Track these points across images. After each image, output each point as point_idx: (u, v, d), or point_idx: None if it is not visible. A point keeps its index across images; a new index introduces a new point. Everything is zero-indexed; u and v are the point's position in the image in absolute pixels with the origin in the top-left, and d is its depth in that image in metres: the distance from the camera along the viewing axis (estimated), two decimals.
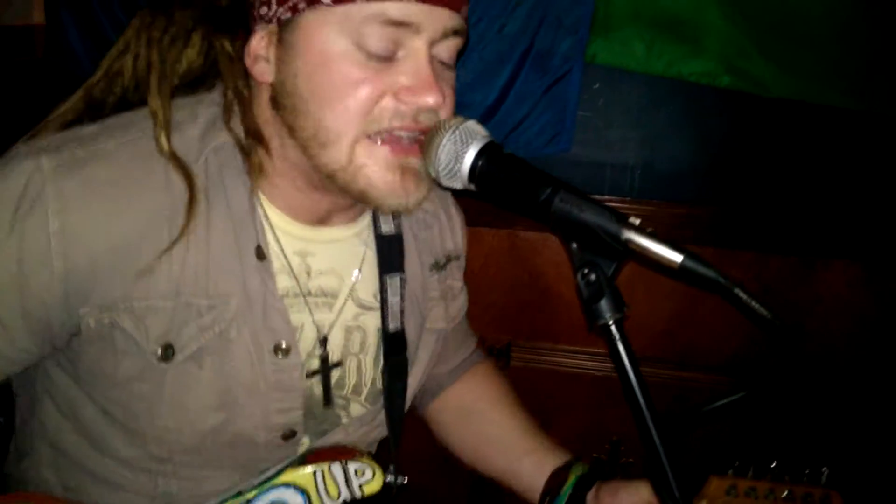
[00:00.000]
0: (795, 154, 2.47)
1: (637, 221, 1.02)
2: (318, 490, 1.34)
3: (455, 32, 1.24)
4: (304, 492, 1.34)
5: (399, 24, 1.17)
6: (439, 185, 1.23)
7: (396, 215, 1.50)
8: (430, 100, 1.20)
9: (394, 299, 1.48)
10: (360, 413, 1.50)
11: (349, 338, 1.46)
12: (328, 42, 1.19)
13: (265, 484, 1.34)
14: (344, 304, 1.44)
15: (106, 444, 1.33)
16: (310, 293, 1.39)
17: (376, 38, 1.18)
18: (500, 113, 2.45)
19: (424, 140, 1.20)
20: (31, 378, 1.37)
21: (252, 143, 1.30)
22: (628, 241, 1.00)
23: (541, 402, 2.71)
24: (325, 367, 1.42)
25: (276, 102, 1.26)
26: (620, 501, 1.46)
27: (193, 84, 1.35)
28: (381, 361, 1.49)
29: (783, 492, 1.39)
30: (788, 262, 2.51)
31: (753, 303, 0.97)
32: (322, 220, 1.41)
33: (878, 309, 2.50)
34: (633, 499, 1.44)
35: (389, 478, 1.42)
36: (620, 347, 1.02)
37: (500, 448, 1.68)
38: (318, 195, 1.34)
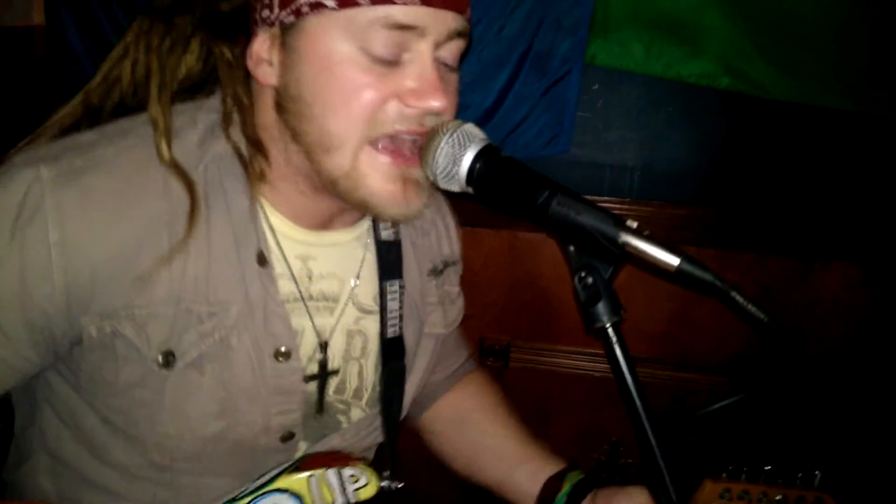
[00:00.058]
0: (795, 156, 2.47)
1: (634, 225, 1.02)
2: (312, 496, 1.33)
3: (459, 34, 1.23)
4: (298, 497, 1.33)
5: (405, 27, 1.16)
6: (437, 188, 1.23)
7: (387, 221, 1.50)
8: (436, 103, 1.20)
9: (393, 305, 1.48)
10: (360, 417, 1.50)
11: (350, 342, 1.46)
12: (332, 46, 1.18)
13: (260, 490, 1.33)
14: (345, 307, 1.44)
15: (106, 452, 1.32)
16: (311, 297, 1.39)
17: (381, 42, 1.17)
18: (499, 114, 2.45)
19: (422, 143, 1.20)
20: (30, 386, 1.36)
21: (252, 151, 1.29)
22: (625, 245, 1.00)
23: (540, 402, 2.72)
24: (323, 373, 1.42)
25: (281, 106, 1.26)
26: None
27: (192, 90, 1.34)
28: (381, 366, 1.49)
29: (777, 495, 1.39)
30: (787, 263, 2.51)
31: (750, 306, 0.97)
32: (324, 224, 1.40)
33: (877, 311, 2.50)
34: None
35: (384, 483, 1.41)
36: (617, 350, 1.02)
37: (495, 457, 1.68)
38: (321, 199, 1.34)
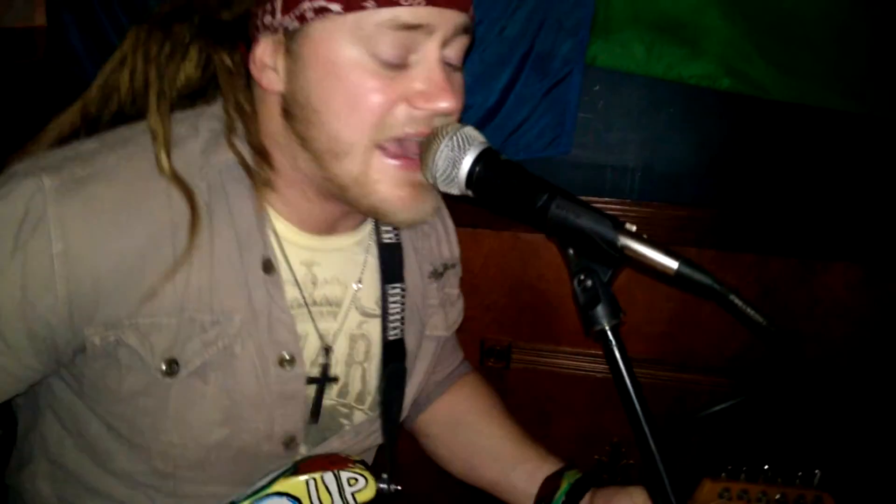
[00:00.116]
0: (795, 156, 2.47)
1: (633, 228, 1.02)
2: (311, 499, 1.33)
3: (464, 30, 1.23)
4: (297, 500, 1.33)
5: (412, 27, 1.15)
6: (437, 191, 1.23)
7: (397, 226, 1.50)
8: (445, 104, 1.19)
9: (394, 308, 1.47)
10: (362, 420, 1.50)
11: (353, 346, 1.46)
12: (339, 51, 1.17)
13: (258, 493, 1.33)
14: (347, 312, 1.44)
15: (109, 459, 1.31)
16: (314, 303, 1.39)
17: (388, 45, 1.16)
18: (501, 115, 2.45)
19: (422, 146, 1.20)
20: (33, 392, 1.35)
21: (258, 160, 1.28)
22: (624, 248, 1.00)
23: (541, 403, 2.72)
24: (323, 378, 1.41)
25: (287, 113, 1.24)
26: None
27: (192, 97, 1.34)
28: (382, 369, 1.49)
29: (776, 494, 1.39)
30: (788, 264, 2.51)
31: (749, 309, 0.97)
32: (328, 229, 1.40)
33: (878, 311, 2.50)
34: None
35: (382, 486, 1.41)
36: (616, 353, 1.02)
37: (491, 458, 1.67)
38: (327, 204, 1.33)
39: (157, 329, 1.21)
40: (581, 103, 2.46)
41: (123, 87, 1.30)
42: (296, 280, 1.35)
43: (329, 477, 1.35)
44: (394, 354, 1.50)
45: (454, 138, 1.16)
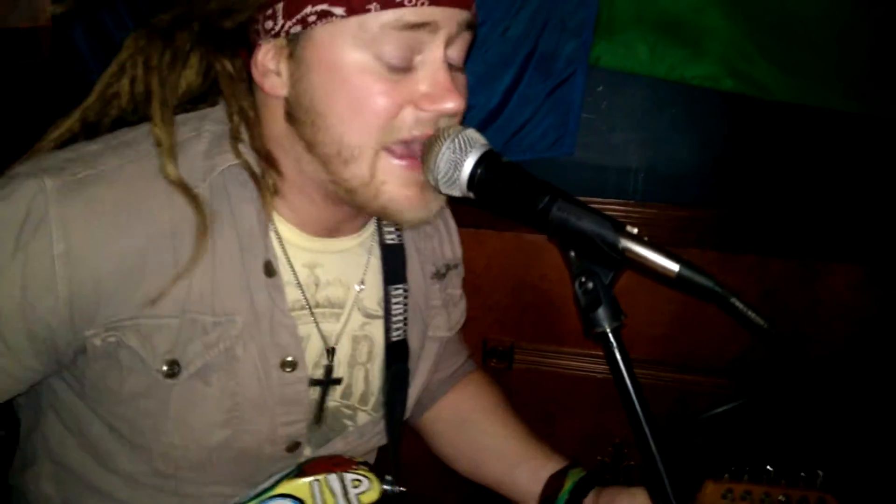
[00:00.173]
0: (798, 157, 2.47)
1: (635, 230, 1.02)
2: (315, 501, 1.33)
3: (468, 26, 1.23)
4: (301, 502, 1.33)
5: (417, 26, 1.15)
6: (439, 193, 1.23)
7: (400, 227, 1.50)
8: (451, 104, 1.19)
9: (397, 309, 1.47)
10: (366, 421, 1.50)
11: (356, 348, 1.46)
12: (343, 55, 1.17)
13: (262, 495, 1.33)
14: (350, 313, 1.44)
15: (110, 459, 1.31)
16: (317, 305, 1.39)
17: (393, 46, 1.16)
18: (504, 116, 2.45)
19: (424, 148, 1.20)
20: (35, 392, 1.35)
21: (264, 166, 1.28)
22: (625, 250, 1.01)
23: (544, 404, 2.72)
24: (327, 380, 1.41)
25: (292, 117, 1.24)
26: None
27: (194, 101, 1.34)
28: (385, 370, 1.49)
29: (779, 495, 1.39)
30: (790, 265, 2.50)
31: (750, 312, 0.97)
32: (331, 232, 1.40)
33: (880, 312, 2.49)
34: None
35: (387, 487, 1.41)
36: (617, 355, 1.03)
37: (496, 457, 1.68)
38: (334, 207, 1.33)
39: (159, 330, 1.21)
40: (584, 104, 2.46)
41: (124, 94, 1.29)
42: (298, 282, 1.35)
43: (333, 479, 1.35)
44: (397, 356, 1.50)
45: (456, 140, 1.16)
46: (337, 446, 1.46)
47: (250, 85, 1.30)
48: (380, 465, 1.55)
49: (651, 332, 2.59)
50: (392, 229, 1.50)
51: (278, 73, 1.23)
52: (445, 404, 1.78)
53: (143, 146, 1.23)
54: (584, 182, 2.55)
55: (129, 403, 1.24)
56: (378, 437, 1.54)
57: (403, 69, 1.18)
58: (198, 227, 1.20)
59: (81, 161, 1.20)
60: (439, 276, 1.61)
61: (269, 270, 1.29)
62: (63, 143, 1.28)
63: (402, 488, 1.44)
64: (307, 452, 1.42)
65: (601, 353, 1.04)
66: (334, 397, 1.45)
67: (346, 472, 1.37)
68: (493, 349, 2.70)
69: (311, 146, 1.23)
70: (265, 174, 1.28)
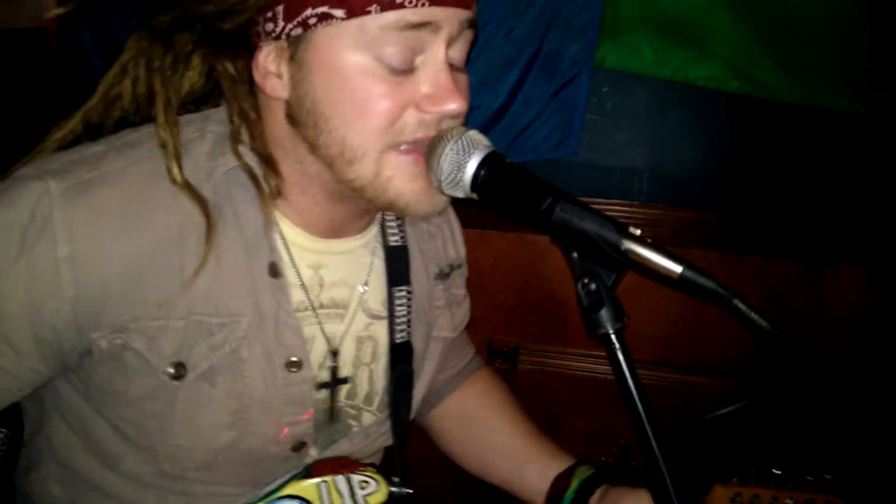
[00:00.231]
0: (803, 158, 2.46)
1: (637, 232, 1.02)
2: (322, 502, 1.33)
3: (469, 25, 1.22)
4: None
5: (417, 26, 1.15)
6: (442, 194, 1.23)
7: (403, 228, 1.50)
8: (454, 105, 1.19)
9: (401, 310, 1.47)
10: (371, 422, 1.50)
11: (360, 348, 1.46)
12: (344, 57, 1.16)
13: (269, 497, 1.33)
14: (354, 314, 1.44)
15: (116, 461, 1.31)
16: (321, 305, 1.38)
17: (394, 47, 1.15)
18: (508, 117, 2.45)
19: (427, 149, 1.20)
20: (39, 394, 1.34)
21: (265, 168, 1.27)
22: (628, 252, 1.00)
23: (549, 405, 2.72)
24: (334, 381, 1.41)
25: (294, 119, 1.24)
26: None
27: (197, 102, 1.34)
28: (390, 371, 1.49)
29: (787, 499, 1.39)
30: (795, 267, 2.50)
31: (753, 314, 0.97)
32: (335, 232, 1.40)
33: (885, 314, 2.49)
34: None
35: (394, 489, 1.40)
36: (620, 357, 1.02)
37: (504, 455, 1.68)
38: (338, 205, 1.33)
39: (164, 332, 1.20)
40: (589, 105, 2.46)
41: (126, 96, 1.29)
42: (302, 283, 1.35)
43: (341, 480, 1.35)
44: (401, 357, 1.50)
45: (459, 142, 1.16)
46: (343, 447, 1.46)
47: (252, 86, 1.30)
48: (386, 466, 1.55)
49: (655, 334, 2.59)
50: (395, 230, 1.50)
51: (279, 76, 1.23)
52: (452, 402, 1.78)
53: (147, 147, 1.23)
54: (589, 183, 2.54)
55: (134, 405, 1.24)
56: (383, 438, 1.54)
57: (404, 70, 1.18)
58: (205, 231, 1.20)
59: (86, 163, 1.20)
60: (443, 276, 1.61)
61: (274, 272, 1.29)
62: (66, 145, 1.27)
63: (409, 490, 1.44)
64: (313, 453, 1.42)
65: (606, 354, 1.04)
66: (339, 398, 1.45)
67: (354, 473, 1.37)
68: (497, 350, 2.70)
69: (313, 148, 1.23)
70: (267, 176, 1.27)
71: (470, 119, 1.28)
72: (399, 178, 1.22)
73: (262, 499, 1.33)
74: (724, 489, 1.41)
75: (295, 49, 1.19)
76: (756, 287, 2.49)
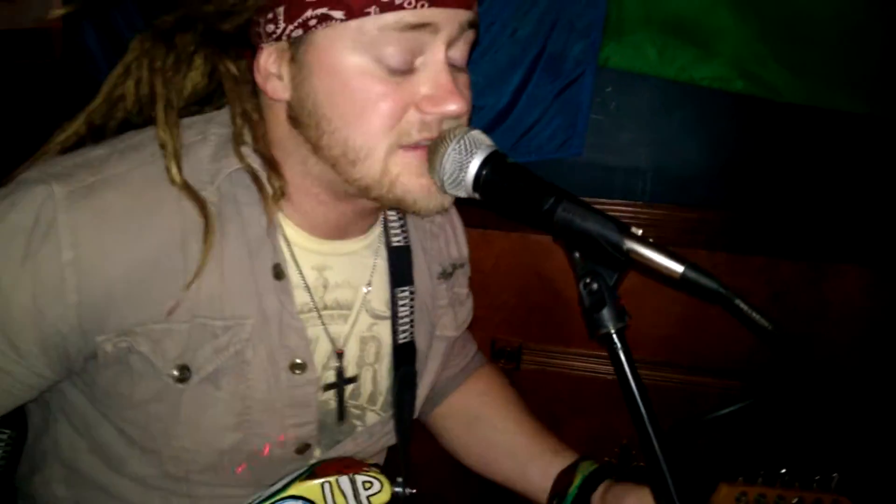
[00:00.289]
0: (808, 159, 2.46)
1: (639, 232, 1.02)
2: (326, 503, 1.33)
3: (470, 25, 1.22)
4: None
5: (416, 26, 1.14)
6: (444, 194, 1.23)
7: (405, 228, 1.50)
8: (454, 107, 1.18)
9: (404, 311, 1.47)
10: (375, 421, 1.50)
11: (364, 349, 1.46)
12: (344, 59, 1.16)
13: (273, 497, 1.33)
14: (358, 315, 1.44)
15: (121, 463, 1.31)
16: (325, 307, 1.38)
17: (393, 48, 1.15)
18: (512, 116, 2.45)
19: (429, 149, 1.20)
20: (45, 397, 1.34)
21: (268, 170, 1.27)
22: (630, 251, 1.00)
23: (551, 405, 2.72)
24: (341, 381, 1.41)
25: (295, 120, 1.24)
26: None
27: (200, 103, 1.34)
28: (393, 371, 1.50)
29: (793, 498, 1.39)
30: (799, 267, 2.49)
31: (755, 314, 0.96)
32: (339, 234, 1.40)
33: (889, 315, 2.49)
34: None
35: (398, 489, 1.41)
36: (622, 356, 1.02)
37: (507, 453, 1.68)
38: (342, 205, 1.33)
39: (169, 335, 1.20)
40: (593, 105, 2.46)
41: (129, 97, 1.29)
42: (306, 285, 1.35)
43: (344, 481, 1.35)
44: (404, 357, 1.50)
45: (461, 142, 1.16)
46: (347, 447, 1.46)
47: (255, 87, 1.30)
48: (389, 466, 1.55)
49: (657, 334, 2.58)
50: (398, 231, 1.50)
51: (280, 77, 1.22)
52: (455, 401, 1.78)
53: (149, 149, 1.23)
54: (593, 183, 2.54)
55: (139, 408, 1.24)
56: (387, 438, 1.54)
57: (404, 71, 1.17)
58: (204, 231, 1.20)
59: (89, 166, 1.20)
60: (446, 275, 1.61)
61: (278, 273, 1.29)
62: (69, 147, 1.28)
63: (412, 490, 1.44)
64: (317, 454, 1.42)
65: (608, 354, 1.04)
66: (345, 397, 1.45)
67: (358, 473, 1.37)
68: (501, 350, 2.70)
69: (316, 148, 1.23)
70: (270, 177, 1.27)
71: (474, 119, 1.27)
72: (406, 175, 1.21)
73: (265, 499, 1.33)
74: (729, 488, 1.41)
75: (295, 50, 1.19)
76: (760, 287, 2.49)
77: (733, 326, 2.46)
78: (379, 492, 1.37)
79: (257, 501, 1.34)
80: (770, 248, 2.50)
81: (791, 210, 2.48)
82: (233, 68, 1.29)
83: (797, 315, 2.50)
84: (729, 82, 2.35)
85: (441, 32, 1.17)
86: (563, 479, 1.56)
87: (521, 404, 1.76)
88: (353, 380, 1.44)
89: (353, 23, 1.14)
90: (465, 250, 1.70)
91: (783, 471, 1.41)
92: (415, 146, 1.21)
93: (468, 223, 1.72)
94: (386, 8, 1.12)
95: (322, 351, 1.39)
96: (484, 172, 1.14)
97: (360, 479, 1.36)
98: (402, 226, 1.51)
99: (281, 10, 1.18)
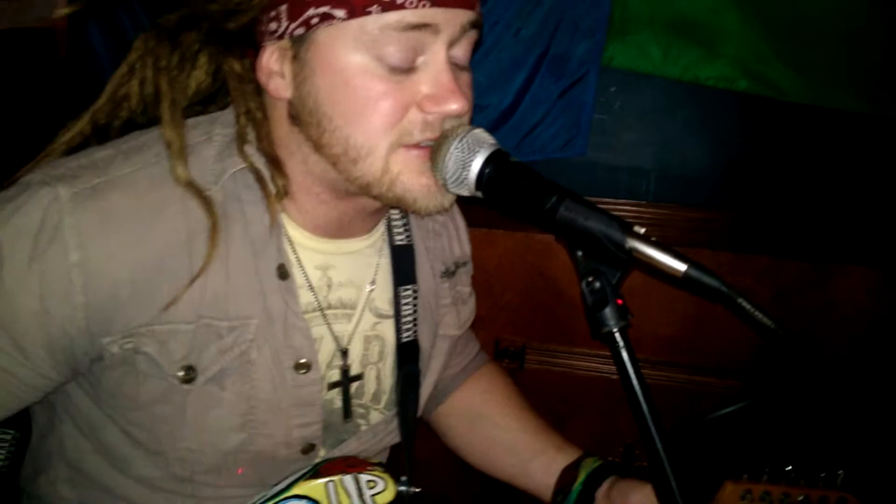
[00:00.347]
0: (812, 158, 2.46)
1: (642, 230, 1.02)
2: (330, 502, 1.33)
3: (472, 26, 1.21)
4: None
5: (417, 27, 1.14)
6: (448, 192, 1.23)
7: (408, 227, 1.50)
8: (455, 106, 1.18)
9: (407, 309, 1.47)
10: (378, 420, 1.50)
11: (368, 347, 1.46)
12: (345, 57, 1.16)
13: (278, 496, 1.33)
14: (362, 314, 1.44)
15: (127, 464, 1.31)
16: (329, 306, 1.39)
17: (394, 47, 1.15)
18: (516, 116, 2.45)
19: (432, 148, 1.19)
20: (50, 398, 1.32)
21: (271, 169, 1.27)
22: (632, 250, 1.00)
23: (555, 404, 2.72)
24: (346, 380, 1.41)
25: (297, 119, 1.24)
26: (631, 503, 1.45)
27: (204, 102, 1.34)
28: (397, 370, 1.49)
29: (799, 496, 1.38)
30: (803, 267, 2.49)
31: (757, 313, 0.96)
32: (342, 233, 1.40)
33: (894, 315, 2.48)
34: (644, 501, 1.43)
35: (402, 488, 1.40)
36: (624, 355, 1.02)
37: (510, 451, 1.68)
38: (343, 203, 1.33)
39: (174, 336, 1.20)
40: (597, 104, 2.46)
41: (134, 96, 1.29)
42: (310, 285, 1.35)
43: (348, 480, 1.35)
44: (408, 356, 1.50)
45: (464, 140, 1.15)
46: (351, 446, 1.46)
47: (258, 86, 1.29)
48: (393, 465, 1.56)
49: (661, 333, 2.58)
50: (401, 230, 1.50)
51: (282, 75, 1.22)
52: (458, 399, 1.78)
53: (154, 151, 1.23)
54: (597, 182, 2.54)
55: (145, 409, 1.25)
56: (391, 436, 1.54)
57: (405, 70, 1.17)
58: (210, 230, 1.20)
59: (94, 168, 1.20)
60: (449, 274, 1.61)
61: (283, 273, 1.29)
62: (74, 147, 1.28)
63: (416, 489, 1.44)
64: (322, 454, 1.42)
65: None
66: (351, 395, 1.45)
67: (362, 472, 1.36)
68: (505, 349, 2.70)
69: (317, 147, 1.23)
70: (273, 177, 1.27)
71: (478, 118, 1.27)
72: (407, 174, 1.21)
73: (270, 499, 1.33)
74: (734, 486, 1.40)
75: (298, 49, 1.19)
76: (764, 287, 2.49)
77: (736, 326, 2.47)
78: (383, 491, 1.37)
79: (261, 501, 1.34)
80: (774, 248, 2.49)
81: (795, 210, 2.48)
82: (237, 67, 1.29)
83: (801, 315, 2.49)
84: (733, 82, 2.35)
85: (442, 33, 1.17)
86: (567, 475, 1.56)
87: (524, 402, 1.76)
88: (357, 377, 1.44)
89: (355, 22, 1.14)
90: (467, 249, 1.70)
91: (788, 468, 1.40)
92: (416, 145, 1.21)
93: (472, 222, 1.72)
94: (387, 7, 1.12)
95: (326, 350, 1.39)
96: (487, 171, 1.14)
97: (364, 478, 1.36)
98: (404, 225, 1.51)
99: (284, 8, 1.18)
